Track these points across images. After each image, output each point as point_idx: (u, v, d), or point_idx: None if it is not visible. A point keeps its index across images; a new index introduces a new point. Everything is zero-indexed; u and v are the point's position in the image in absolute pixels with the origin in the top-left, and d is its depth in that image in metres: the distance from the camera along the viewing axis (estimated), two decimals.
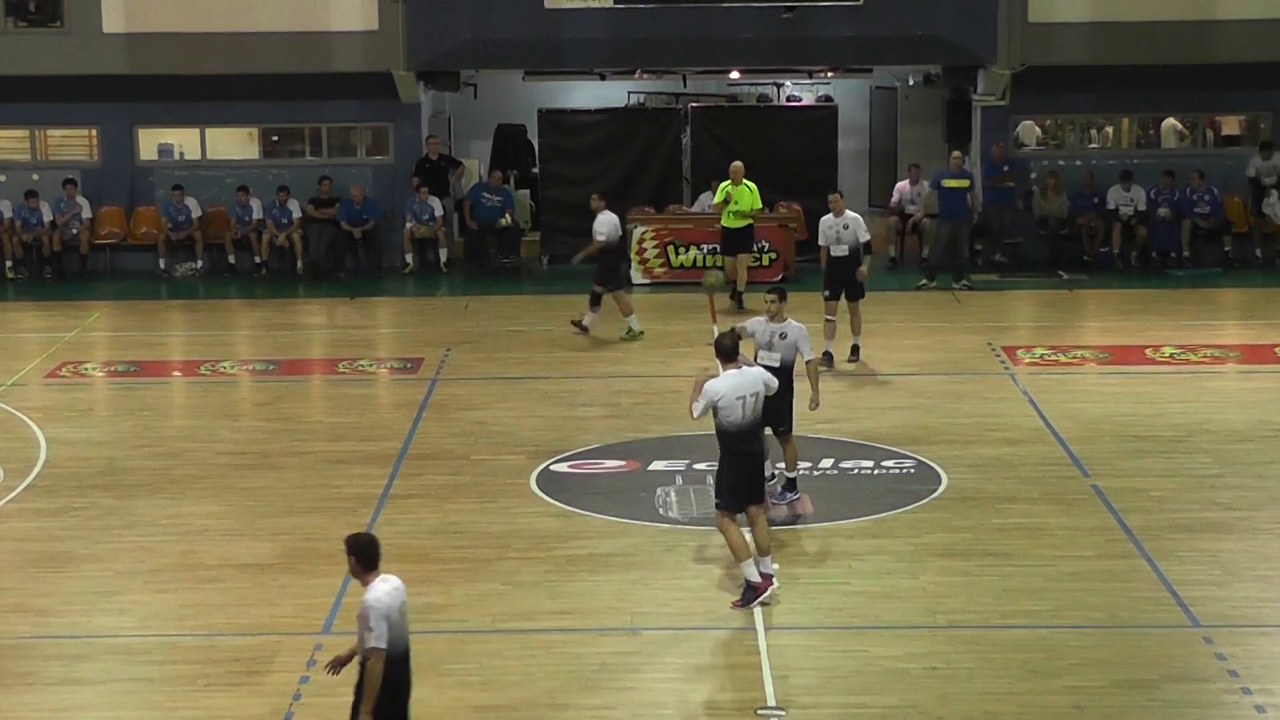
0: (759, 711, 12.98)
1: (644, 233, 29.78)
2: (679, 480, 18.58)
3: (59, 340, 26.09)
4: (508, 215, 31.64)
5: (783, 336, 17.41)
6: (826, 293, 23.93)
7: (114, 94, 31.35)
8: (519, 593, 15.49)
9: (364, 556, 11.25)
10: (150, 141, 32.53)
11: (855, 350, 23.98)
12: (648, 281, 29.65)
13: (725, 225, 27.94)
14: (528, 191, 33.37)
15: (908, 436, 20.13)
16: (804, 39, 30.84)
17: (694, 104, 33.11)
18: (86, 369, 24.42)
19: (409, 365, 24.22)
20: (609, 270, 25.80)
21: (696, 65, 32.66)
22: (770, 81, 35.95)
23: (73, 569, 16.21)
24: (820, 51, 31.53)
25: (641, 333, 25.61)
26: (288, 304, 28.97)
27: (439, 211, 31.36)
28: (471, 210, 31.76)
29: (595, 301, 25.68)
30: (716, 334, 18.02)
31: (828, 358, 23.31)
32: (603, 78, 33.58)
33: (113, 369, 24.49)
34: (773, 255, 29.91)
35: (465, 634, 14.57)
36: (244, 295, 30.13)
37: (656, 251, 29.84)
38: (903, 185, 31.93)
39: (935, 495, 18.09)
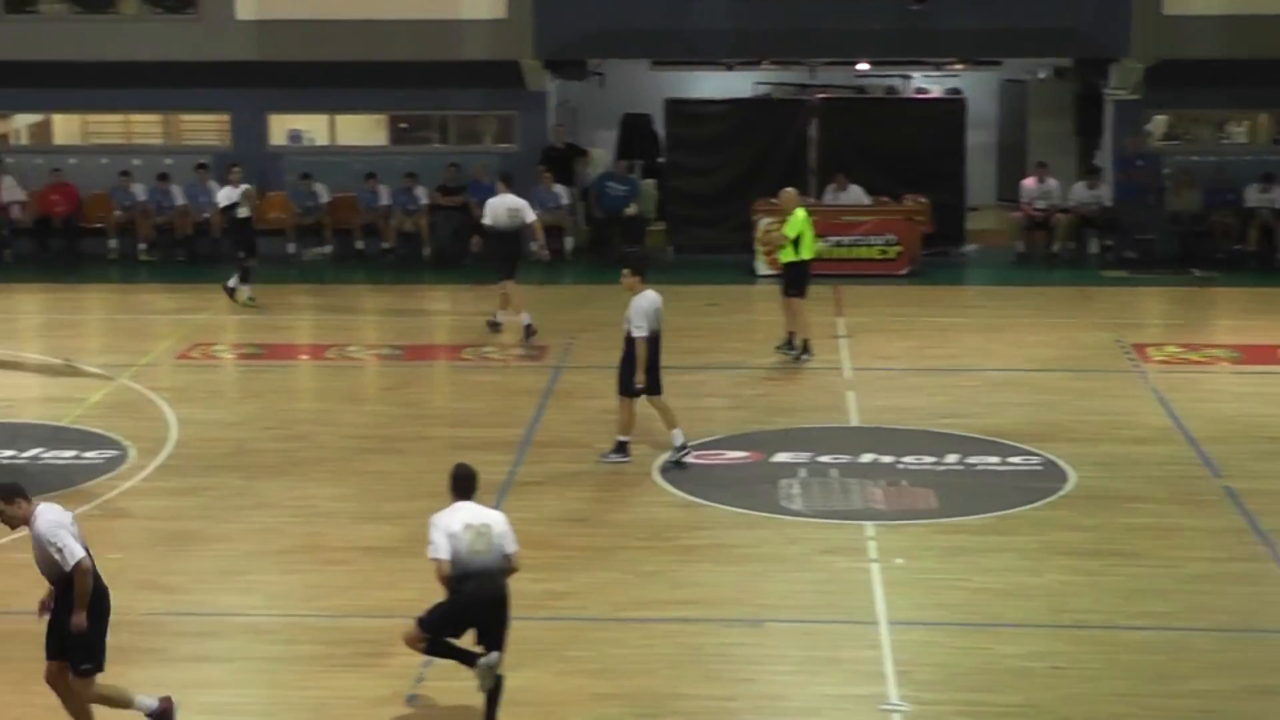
0: (881, 706, 12.93)
1: (769, 224, 29.64)
2: (802, 472, 18.52)
3: (190, 322, 26.39)
4: (633, 204, 31.68)
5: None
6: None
7: (246, 80, 31.64)
8: (640, 581, 15.50)
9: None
10: (280, 127, 32.84)
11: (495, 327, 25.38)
12: (773, 273, 29.50)
13: (806, 258, 23.84)
14: (653, 181, 33.36)
15: (1034, 433, 19.95)
16: (933, 31, 30.65)
17: (821, 95, 32.98)
18: (216, 351, 24.67)
19: (534, 352, 24.29)
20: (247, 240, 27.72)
21: (824, 56, 32.54)
22: (898, 74, 35.75)
23: (201, 548, 16.40)
24: (949, 43, 31.33)
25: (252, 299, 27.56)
26: (413, 290, 29.15)
27: (565, 200, 31.44)
28: (597, 199, 31.83)
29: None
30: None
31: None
32: (729, 68, 33.52)
33: (242, 351, 24.73)
34: (898, 248, 29.75)
35: (586, 621, 14.60)
36: (370, 280, 30.35)
37: (782, 242, 29.65)
38: (1028, 183, 31.65)
39: (1061, 493, 17.93)
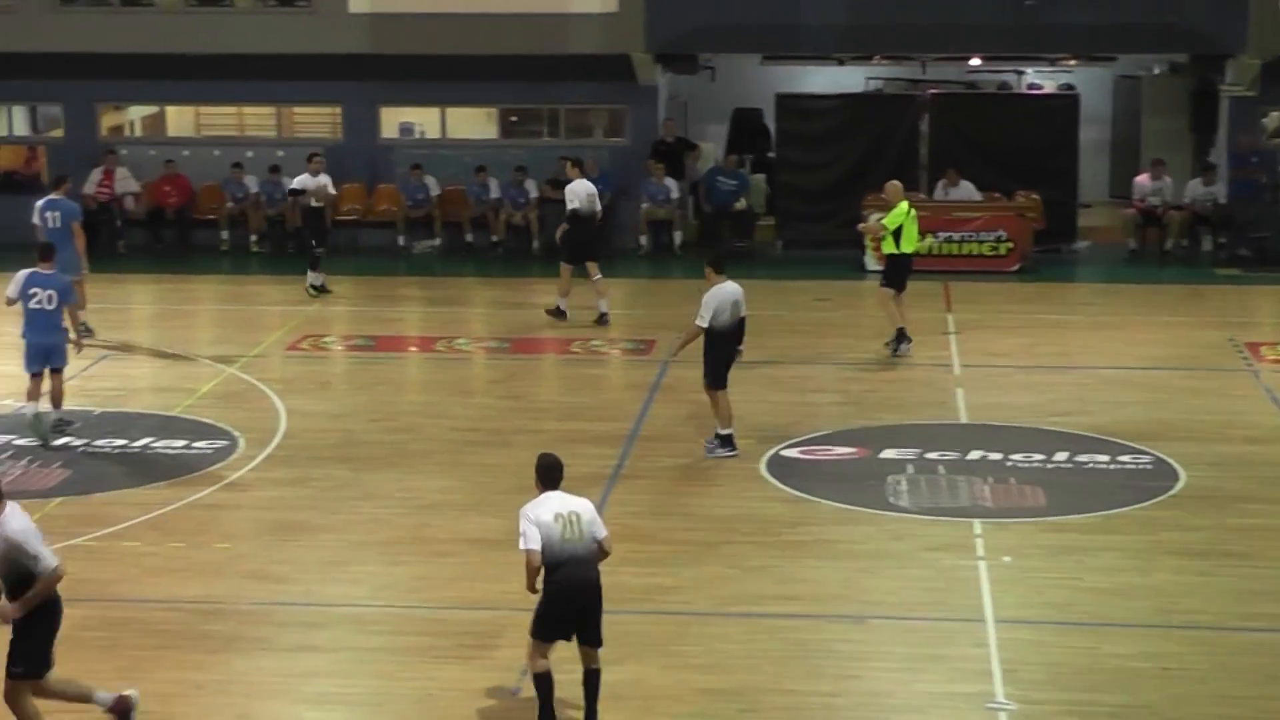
0: (987, 705, 12.83)
1: (879, 219, 29.47)
2: (910, 469, 18.43)
3: (300, 314, 26.58)
4: (743, 199, 31.65)
5: None
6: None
7: (358, 73, 31.83)
8: (746, 577, 15.46)
9: None
10: (391, 120, 33.02)
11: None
12: (882, 268, 29.35)
13: (906, 251, 23.76)
14: (763, 176, 33.30)
15: (1145, 432, 19.75)
16: (1046, 26, 30.36)
17: (933, 90, 32.80)
18: (326, 342, 24.83)
19: (641, 347, 24.30)
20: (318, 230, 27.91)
21: (936, 51, 32.36)
22: (1011, 69, 35.48)
23: (308, 538, 16.51)
24: (1063, 39, 31.05)
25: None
26: (523, 283, 29.20)
27: (674, 193, 31.45)
28: (706, 193, 31.80)
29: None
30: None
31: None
32: (841, 63, 33.38)
33: (351, 343, 24.88)
34: (1009, 245, 29.54)
35: (691, 616, 14.58)
36: (480, 273, 30.46)
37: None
38: (1142, 179, 31.33)
39: (1171, 492, 17.74)
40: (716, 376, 18.96)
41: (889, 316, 23.66)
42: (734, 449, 18.96)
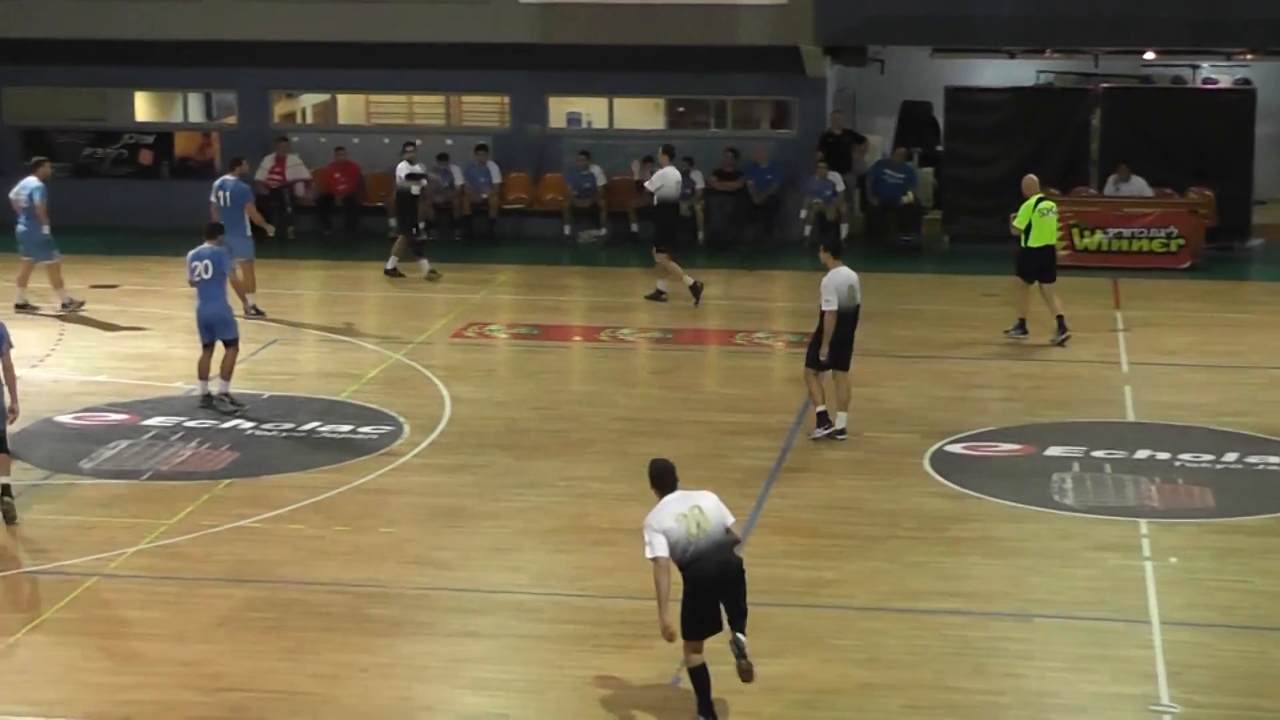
0: (1151, 707, 12.64)
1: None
2: (1076, 467, 18.21)
3: (465, 301, 26.77)
4: (910, 193, 31.44)
5: None
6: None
7: (526, 63, 31.99)
8: (908, 572, 15.35)
9: None
10: (559, 109, 33.15)
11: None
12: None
13: (1033, 246, 23.78)
14: (931, 169, 33.06)
15: None
16: (1223, 20, 29.82)
17: (1105, 85, 32.39)
18: (491, 330, 24.99)
19: (804, 339, 24.14)
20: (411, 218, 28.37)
21: (1109, 45, 31.88)
22: (1186, 63, 34.94)
23: (471, 525, 16.61)
24: (1240, 32, 30.46)
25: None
26: (687, 274, 29.16)
27: (839, 187, 31.30)
28: (873, 186, 31.64)
29: None
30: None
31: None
32: (1012, 56, 33.06)
33: (515, 331, 25.02)
34: (1180, 242, 29.11)
35: (853, 610, 14.50)
36: (645, 264, 30.40)
37: (1061, 234, 29.18)
38: None
39: None
40: (814, 358, 19.19)
41: (1017, 305, 24.05)
42: (830, 426, 19.18)
